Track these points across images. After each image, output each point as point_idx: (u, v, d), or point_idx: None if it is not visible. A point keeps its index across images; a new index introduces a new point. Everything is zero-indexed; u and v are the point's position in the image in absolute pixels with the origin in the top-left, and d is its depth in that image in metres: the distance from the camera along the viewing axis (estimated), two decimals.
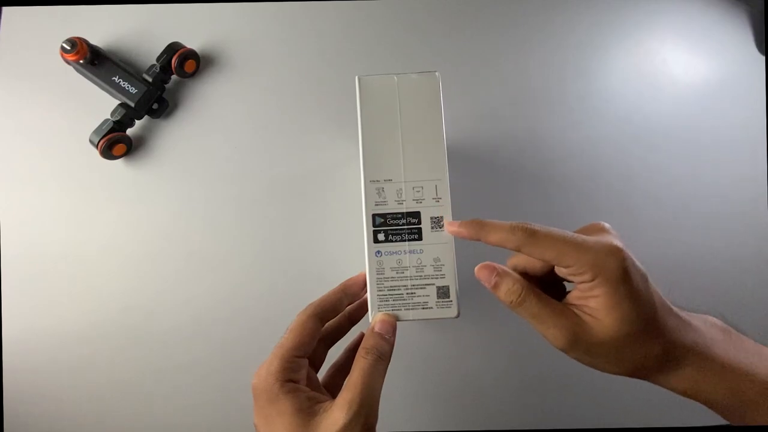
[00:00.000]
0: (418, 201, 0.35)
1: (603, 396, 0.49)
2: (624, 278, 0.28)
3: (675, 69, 0.55)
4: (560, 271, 0.31)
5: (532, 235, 0.29)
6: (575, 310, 0.30)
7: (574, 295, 0.31)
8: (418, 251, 0.34)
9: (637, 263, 0.30)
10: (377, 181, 0.35)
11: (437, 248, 0.34)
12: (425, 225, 0.34)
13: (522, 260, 0.34)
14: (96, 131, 0.48)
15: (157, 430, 0.48)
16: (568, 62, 0.54)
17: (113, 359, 0.48)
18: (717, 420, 0.46)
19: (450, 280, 0.34)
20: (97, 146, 0.48)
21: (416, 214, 0.34)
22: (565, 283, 0.34)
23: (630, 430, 0.49)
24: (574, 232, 0.32)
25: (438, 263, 0.34)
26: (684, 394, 0.31)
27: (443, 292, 0.34)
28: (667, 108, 0.54)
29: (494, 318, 0.49)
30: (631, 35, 0.55)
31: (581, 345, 0.29)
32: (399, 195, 0.35)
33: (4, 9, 0.53)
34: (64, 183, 0.50)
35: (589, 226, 0.32)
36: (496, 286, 0.31)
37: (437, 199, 0.35)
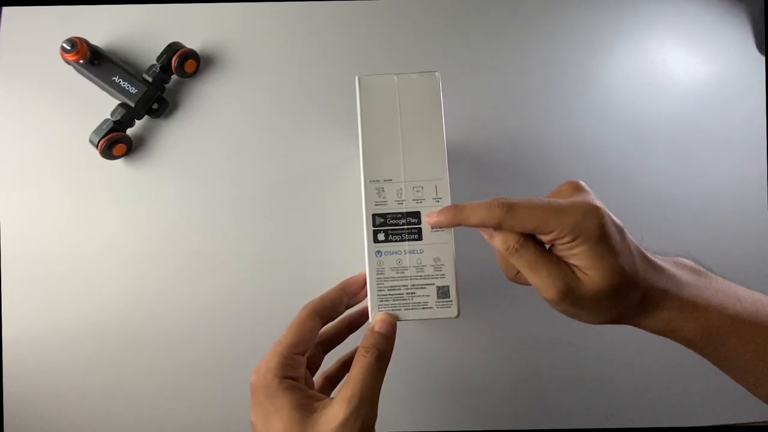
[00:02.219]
0: (418, 201, 0.35)
1: (603, 396, 0.49)
2: (603, 236, 0.29)
3: (675, 69, 0.55)
4: (542, 238, 0.31)
5: (510, 209, 0.30)
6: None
7: (557, 253, 0.31)
8: (418, 251, 0.34)
9: (614, 218, 0.31)
10: (377, 181, 0.35)
11: (437, 248, 0.34)
12: (425, 225, 0.34)
13: None
14: (96, 131, 0.48)
15: (156, 429, 0.48)
16: (568, 62, 0.54)
17: (113, 359, 0.48)
18: (717, 420, 0.46)
19: (450, 280, 0.34)
20: (97, 146, 0.48)
21: (416, 214, 0.34)
22: None
23: (630, 430, 0.50)
24: (549, 194, 0.33)
25: (438, 263, 0.34)
26: (660, 333, 0.32)
27: (443, 292, 0.34)
28: (667, 108, 0.54)
29: (494, 318, 0.49)
30: (631, 35, 0.55)
31: (570, 297, 0.30)
32: (399, 195, 0.35)
33: (4, 9, 0.53)
34: (64, 183, 0.50)
35: (563, 186, 0.33)
36: (493, 235, 0.32)
37: (437, 199, 0.35)
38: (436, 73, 0.36)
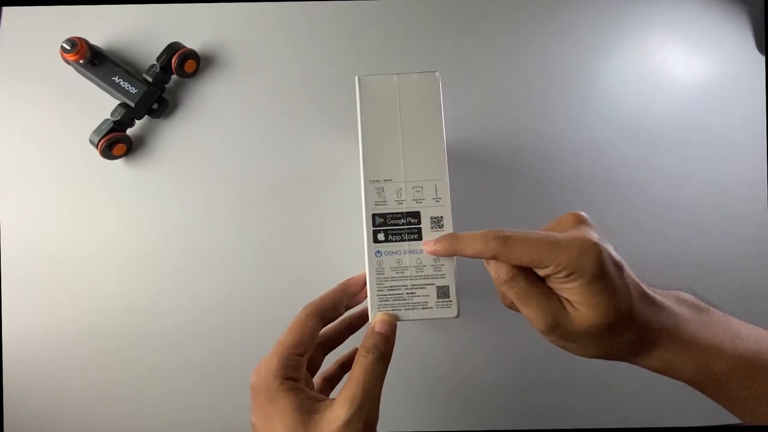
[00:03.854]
0: (418, 201, 0.35)
1: (603, 396, 0.49)
2: (599, 273, 0.29)
3: (675, 69, 0.55)
4: (538, 271, 0.31)
5: (506, 242, 0.29)
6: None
7: (552, 285, 0.31)
8: (418, 251, 0.34)
9: (613, 254, 0.30)
10: (377, 181, 0.35)
11: None
12: (425, 225, 0.34)
13: None
14: (96, 131, 0.48)
15: (156, 429, 0.48)
16: (568, 62, 0.54)
17: (113, 359, 0.48)
18: (716, 420, 0.46)
19: (450, 280, 0.34)
20: (97, 146, 0.48)
21: (416, 214, 0.34)
22: None
23: (630, 430, 0.49)
24: (549, 224, 0.33)
25: (438, 263, 0.34)
26: (656, 371, 0.32)
27: (443, 292, 0.34)
28: (667, 108, 0.54)
29: (494, 318, 0.49)
30: (631, 35, 0.55)
31: (559, 330, 0.30)
32: (399, 195, 0.35)
33: (4, 9, 0.53)
34: (64, 183, 0.50)
35: (565, 217, 0.32)
36: (489, 262, 0.32)
37: (437, 199, 0.35)
38: (436, 73, 0.36)
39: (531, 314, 0.30)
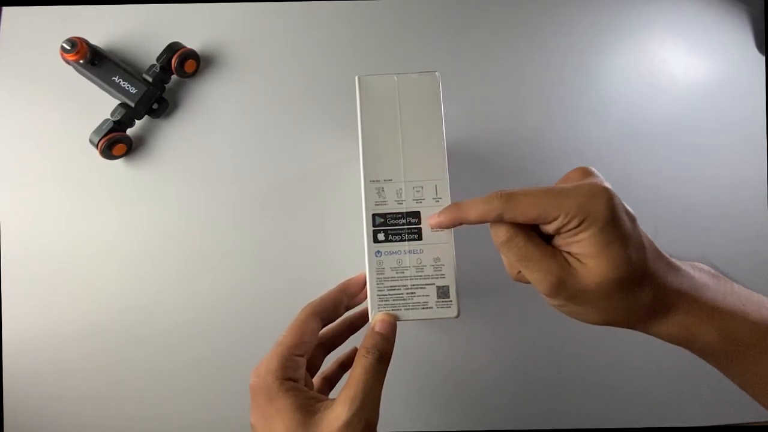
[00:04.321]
0: (418, 201, 0.35)
1: (603, 396, 0.49)
2: (611, 219, 0.26)
3: (675, 69, 0.55)
4: (546, 228, 0.29)
5: (509, 199, 0.28)
6: (564, 255, 0.28)
7: (558, 243, 0.29)
8: (418, 251, 0.34)
9: (626, 205, 0.28)
10: (377, 181, 0.35)
11: (437, 248, 0.34)
12: (425, 225, 0.34)
13: None
14: (96, 131, 0.48)
15: (156, 429, 0.48)
16: (568, 62, 0.54)
17: (113, 359, 0.48)
18: (716, 420, 0.46)
19: (450, 280, 0.34)
20: (97, 146, 0.48)
21: (416, 214, 0.34)
22: None
23: (630, 430, 0.49)
24: (558, 181, 0.31)
25: (438, 263, 0.34)
26: (674, 341, 0.30)
27: (443, 292, 0.34)
28: (667, 108, 0.54)
29: (494, 318, 0.49)
30: (631, 35, 0.55)
31: (566, 290, 0.28)
32: (399, 195, 0.35)
33: (4, 9, 0.53)
34: (64, 183, 0.50)
35: (572, 173, 0.31)
36: (491, 226, 0.30)
37: (437, 199, 0.35)
38: (436, 73, 0.36)
39: (534, 276, 0.28)
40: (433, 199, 0.35)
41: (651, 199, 0.52)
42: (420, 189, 0.35)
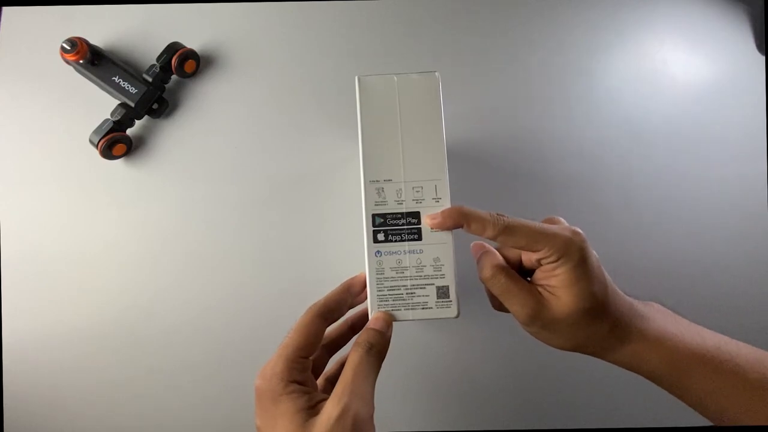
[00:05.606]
0: (418, 201, 0.35)
1: (603, 396, 0.49)
2: (583, 259, 0.31)
3: (675, 69, 0.55)
4: (529, 256, 0.34)
5: (508, 225, 0.32)
6: (539, 289, 0.33)
7: (538, 276, 0.34)
8: (418, 251, 0.34)
9: (593, 250, 0.33)
10: (377, 181, 0.35)
11: (437, 248, 0.34)
12: (425, 225, 0.34)
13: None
14: (96, 131, 0.48)
15: (156, 429, 0.48)
16: (568, 62, 0.54)
17: (113, 359, 0.48)
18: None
19: (449, 280, 0.34)
20: (97, 146, 0.48)
21: (416, 214, 0.34)
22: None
23: (630, 430, 0.50)
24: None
25: (438, 263, 0.34)
26: (625, 366, 0.34)
27: (443, 292, 0.34)
28: (666, 108, 0.54)
29: (494, 318, 0.49)
30: (631, 35, 0.55)
31: (539, 320, 0.32)
32: (399, 195, 0.35)
33: (4, 9, 0.53)
34: (64, 183, 0.50)
35: (547, 219, 0.35)
36: (478, 260, 0.35)
37: (437, 200, 0.35)
38: (436, 73, 0.36)
39: (513, 307, 0.33)
40: (433, 199, 0.35)
41: (651, 198, 0.52)
42: (420, 189, 0.35)
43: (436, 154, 0.35)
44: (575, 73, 0.54)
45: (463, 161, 0.51)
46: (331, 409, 0.29)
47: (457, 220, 0.33)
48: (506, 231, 0.32)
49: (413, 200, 0.35)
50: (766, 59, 0.55)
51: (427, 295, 0.34)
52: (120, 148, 0.49)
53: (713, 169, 0.53)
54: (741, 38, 0.56)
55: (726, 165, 0.53)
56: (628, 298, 0.34)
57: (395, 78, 0.36)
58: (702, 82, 0.55)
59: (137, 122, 0.51)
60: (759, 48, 0.55)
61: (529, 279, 0.35)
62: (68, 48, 0.47)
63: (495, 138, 0.53)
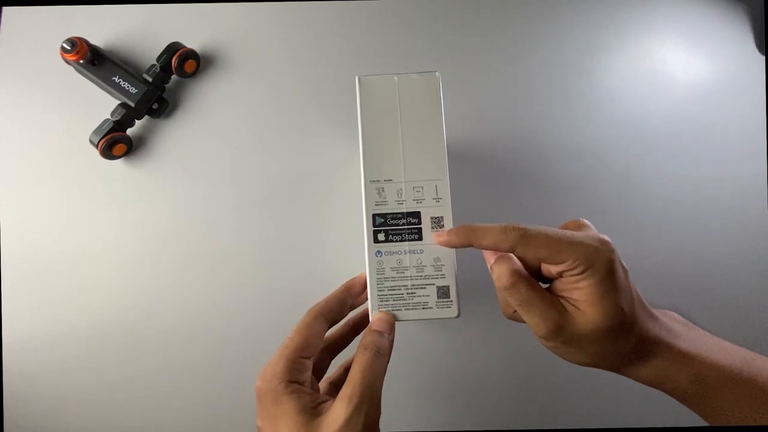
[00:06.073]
0: (419, 201, 0.35)
1: (603, 396, 0.49)
2: (611, 272, 0.29)
3: (675, 69, 0.55)
4: (550, 268, 0.31)
5: (524, 235, 0.29)
6: (561, 301, 0.30)
7: (558, 287, 0.31)
8: (418, 251, 0.34)
9: (621, 259, 0.30)
10: (377, 181, 0.35)
11: (437, 248, 0.34)
12: (425, 225, 0.34)
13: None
14: (96, 131, 0.48)
15: (156, 429, 0.48)
16: (569, 62, 0.54)
17: (113, 359, 0.48)
18: None
19: (450, 280, 0.34)
20: (97, 146, 0.48)
21: (416, 214, 0.34)
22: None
23: (630, 430, 0.49)
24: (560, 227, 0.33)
25: (438, 263, 0.34)
26: (650, 383, 0.32)
27: (443, 292, 0.34)
28: (666, 108, 0.54)
29: (495, 318, 0.49)
30: (631, 35, 0.55)
31: (562, 335, 0.30)
32: (399, 195, 0.35)
33: (4, 9, 0.53)
34: (64, 183, 0.50)
35: (570, 223, 0.33)
36: (492, 267, 0.32)
37: (437, 199, 0.35)
38: (436, 73, 0.36)
39: (533, 320, 0.30)
40: (434, 199, 0.35)
41: (651, 198, 0.52)
42: (420, 189, 0.35)
43: (437, 153, 0.35)
44: (575, 73, 0.54)
45: (463, 161, 0.51)
46: (339, 409, 0.29)
47: (464, 239, 0.31)
48: (523, 242, 0.29)
49: (414, 200, 0.35)
50: (766, 59, 0.55)
51: (427, 295, 0.34)
52: (120, 148, 0.49)
53: (713, 169, 0.53)
54: (741, 38, 0.56)
55: (726, 165, 0.53)
56: (653, 311, 0.32)
57: (395, 78, 0.36)
58: (702, 82, 0.55)
59: (137, 122, 0.51)
60: (759, 48, 0.55)
61: (547, 286, 0.32)
62: (68, 48, 0.47)
63: (495, 138, 0.53)
